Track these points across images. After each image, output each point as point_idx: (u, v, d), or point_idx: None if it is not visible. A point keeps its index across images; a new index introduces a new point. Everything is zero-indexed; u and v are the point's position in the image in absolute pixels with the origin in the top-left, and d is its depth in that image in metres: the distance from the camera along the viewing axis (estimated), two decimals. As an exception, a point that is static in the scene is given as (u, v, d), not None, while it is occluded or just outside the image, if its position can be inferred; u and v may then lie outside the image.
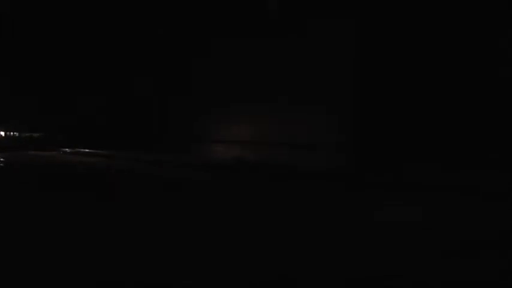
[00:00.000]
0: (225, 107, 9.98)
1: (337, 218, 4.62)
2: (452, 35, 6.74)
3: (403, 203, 5.28)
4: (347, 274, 3.01)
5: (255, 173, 7.99)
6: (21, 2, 9.71)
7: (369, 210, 5.00)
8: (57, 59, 11.59)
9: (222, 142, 10.05)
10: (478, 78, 6.59)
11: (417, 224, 4.30)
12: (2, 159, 9.97)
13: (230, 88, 9.89)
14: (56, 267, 3.02)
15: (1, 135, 14.43)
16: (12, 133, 14.53)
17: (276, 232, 3.97)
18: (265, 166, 8.29)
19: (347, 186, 6.60)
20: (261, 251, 3.41)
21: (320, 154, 8.30)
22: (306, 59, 8.64)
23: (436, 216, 4.67)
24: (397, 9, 7.13)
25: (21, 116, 13.85)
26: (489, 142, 6.38)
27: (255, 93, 9.50)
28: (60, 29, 10.42)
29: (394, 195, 5.83)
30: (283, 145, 8.92)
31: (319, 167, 7.83)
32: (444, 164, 6.47)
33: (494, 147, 6.32)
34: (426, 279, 2.95)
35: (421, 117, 7.04)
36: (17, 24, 9.79)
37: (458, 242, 3.78)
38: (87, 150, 12.40)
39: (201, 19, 9.60)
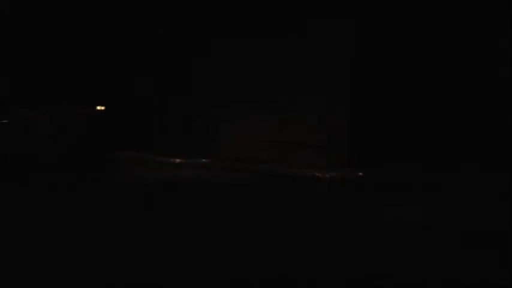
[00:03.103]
0: (225, 107, 9.98)
1: (336, 218, 4.63)
2: (452, 35, 6.74)
3: (403, 202, 5.28)
4: (347, 274, 3.01)
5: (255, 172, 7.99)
6: (21, 1, 9.70)
7: (368, 210, 5.00)
8: (55, 58, 11.57)
9: (222, 142, 10.05)
10: (478, 78, 6.59)
11: (417, 224, 4.30)
12: None
13: (230, 88, 9.89)
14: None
15: None
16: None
17: (276, 232, 3.97)
18: (265, 165, 8.28)
19: (346, 185, 6.61)
20: (261, 251, 3.41)
21: (320, 153, 8.30)
22: (306, 59, 8.64)
23: (436, 216, 4.67)
24: (397, 9, 7.13)
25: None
26: (490, 142, 6.38)
27: (254, 93, 9.50)
28: (59, 28, 10.41)
29: (394, 195, 5.83)
30: (283, 145, 8.92)
31: (318, 166, 7.82)
32: (445, 164, 6.47)
33: (495, 147, 6.32)
34: (426, 279, 2.95)
35: (422, 117, 7.03)
36: (16, 24, 9.78)
37: (458, 241, 3.78)
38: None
39: (201, 19, 9.59)
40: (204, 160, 9.25)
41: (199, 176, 7.67)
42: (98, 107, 9.01)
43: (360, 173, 6.94)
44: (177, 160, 9.07)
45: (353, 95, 7.92)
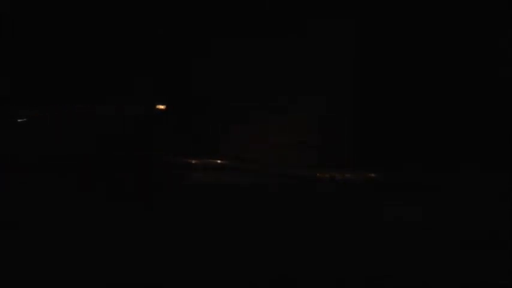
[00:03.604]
0: (224, 107, 9.97)
1: (336, 218, 4.62)
2: (453, 34, 6.74)
3: (403, 202, 5.28)
4: (347, 274, 3.01)
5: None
6: (21, 1, 9.69)
7: (368, 209, 5.00)
8: (54, 57, 11.55)
9: (222, 142, 10.04)
10: (478, 78, 6.59)
11: (417, 224, 4.30)
12: None
13: (230, 88, 9.88)
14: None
15: None
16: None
17: (276, 232, 3.97)
18: (265, 166, 8.27)
19: (346, 185, 6.60)
20: (261, 251, 3.41)
21: (320, 153, 8.30)
22: (306, 59, 8.64)
23: (436, 216, 4.67)
24: (397, 9, 7.12)
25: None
26: (490, 142, 6.38)
27: (254, 93, 9.49)
28: (58, 28, 10.39)
29: (394, 195, 5.82)
30: (282, 145, 8.91)
31: (317, 166, 7.81)
32: (445, 164, 6.47)
33: (495, 147, 6.32)
34: (426, 279, 2.95)
35: (421, 117, 7.03)
36: (16, 24, 9.76)
37: (458, 241, 3.78)
38: None
39: (201, 19, 9.57)
40: (213, 161, 9.04)
41: (202, 176, 7.57)
42: (159, 106, 8.15)
43: (372, 174, 6.90)
44: (193, 161, 8.69)
45: (353, 95, 7.92)
